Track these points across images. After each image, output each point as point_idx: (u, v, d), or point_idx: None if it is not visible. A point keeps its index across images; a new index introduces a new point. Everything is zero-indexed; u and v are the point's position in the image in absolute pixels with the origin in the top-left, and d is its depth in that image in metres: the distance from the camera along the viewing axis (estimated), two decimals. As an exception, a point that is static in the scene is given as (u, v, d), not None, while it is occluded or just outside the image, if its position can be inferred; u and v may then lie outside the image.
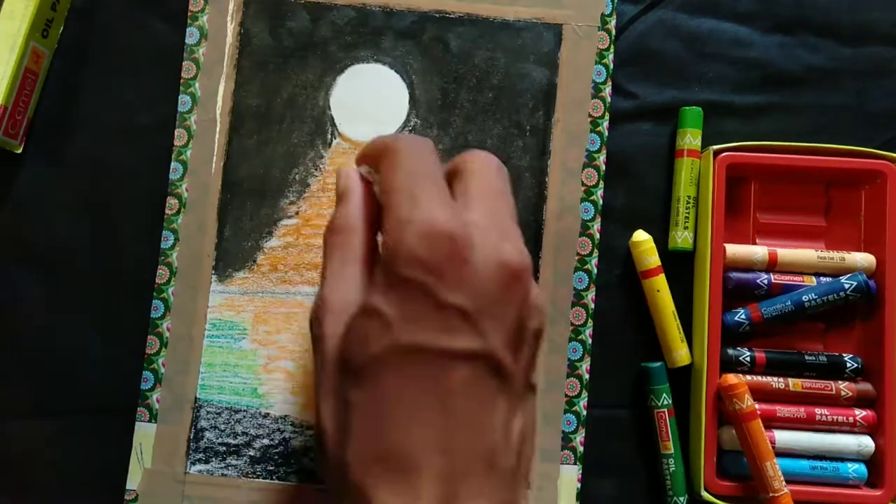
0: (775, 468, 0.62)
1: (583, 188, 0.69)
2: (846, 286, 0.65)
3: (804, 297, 0.65)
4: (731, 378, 0.63)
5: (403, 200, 0.40)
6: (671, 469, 0.65)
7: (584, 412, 0.67)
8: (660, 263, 0.67)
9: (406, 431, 0.38)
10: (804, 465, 0.64)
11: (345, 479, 0.39)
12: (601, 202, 0.69)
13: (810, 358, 0.66)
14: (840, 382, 0.65)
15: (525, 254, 0.40)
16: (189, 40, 0.70)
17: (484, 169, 0.45)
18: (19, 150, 0.70)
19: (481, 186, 0.43)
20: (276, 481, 0.66)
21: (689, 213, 0.67)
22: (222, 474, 0.66)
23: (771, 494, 0.62)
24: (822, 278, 0.66)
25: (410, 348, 0.38)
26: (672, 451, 0.65)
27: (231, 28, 0.71)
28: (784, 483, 0.62)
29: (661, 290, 0.66)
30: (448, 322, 0.38)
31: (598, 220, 0.68)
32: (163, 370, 0.67)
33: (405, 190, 0.41)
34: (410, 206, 0.39)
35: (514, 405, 0.40)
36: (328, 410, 0.40)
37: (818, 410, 0.65)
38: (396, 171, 0.42)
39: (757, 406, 0.63)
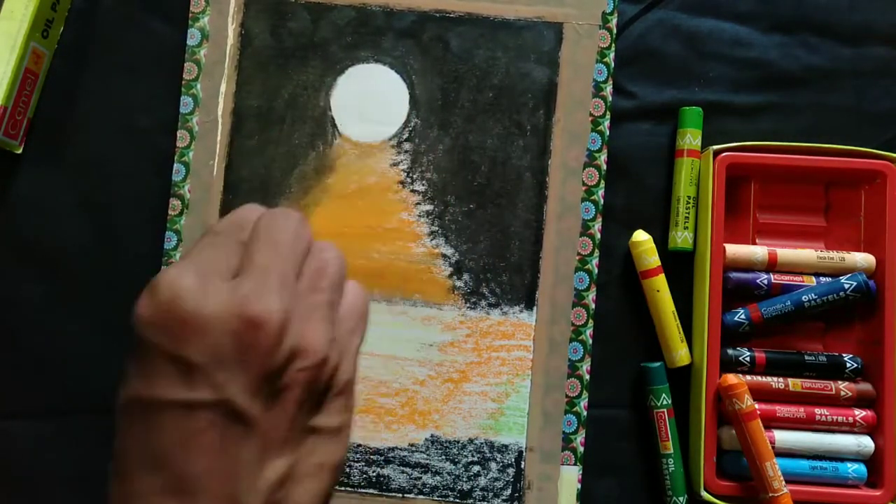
0: (775, 468, 0.62)
1: (583, 188, 0.69)
2: (846, 286, 0.65)
3: (804, 297, 0.65)
4: (731, 378, 0.63)
5: (177, 262, 0.42)
6: (671, 469, 0.65)
7: (585, 412, 0.67)
8: (660, 263, 0.67)
9: (142, 478, 0.40)
10: (804, 465, 0.64)
11: None
12: (602, 202, 0.68)
13: (810, 358, 0.66)
14: (840, 382, 0.65)
15: (270, 304, 0.39)
16: (190, 41, 0.70)
17: (261, 228, 0.44)
18: (19, 150, 0.70)
19: (254, 247, 0.43)
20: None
21: (689, 213, 0.67)
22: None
23: (770, 494, 0.62)
24: (821, 278, 0.66)
25: (145, 400, 0.39)
26: (672, 451, 0.65)
27: (232, 29, 0.71)
28: (784, 483, 0.62)
29: (661, 290, 0.66)
30: (181, 376, 0.39)
31: (599, 219, 0.68)
32: (164, 370, 0.67)
33: (191, 248, 0.43)
34: (170, 267, 0.40)
35: (269, 451, 0.41)
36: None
37: (818, 410, 0.65)
38: (207, 230, 0.44)
39: (757, 406, 0.63)
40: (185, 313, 0.38)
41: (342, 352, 0.44)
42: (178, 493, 0.39)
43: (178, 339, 0.38)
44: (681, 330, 0.66)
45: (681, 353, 0.66)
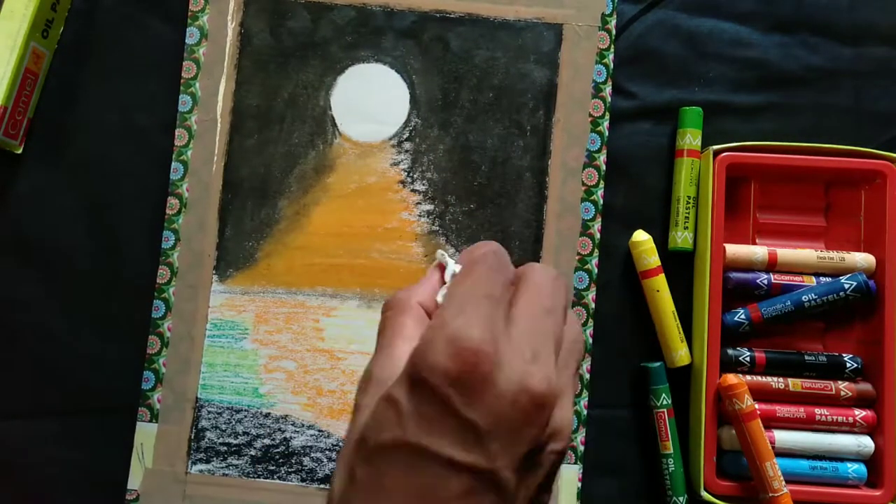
0: (775, 468, 0.62)
1: (583, 188, 0.69)
2: (846, 286, 0.65)
3: (804, 297, 0.65)
4: (731, 378, 0.63)
5: (450, 307, 0.40)
6: (671, 469, 0.65)
7: (585, 412, 0.67)
8: (660, 263, 0.67)
9: None
10: (804, 465, 0.64)
11: None
12: (601, 202, 0.69)
13: (810, 358, 0.66)
14: (840, 382, 0.65)
15: (552, 381, 0.39)
16: (189, 40, 0.70)
17: (536, 284, 0.44)
18: (19, 151, 0.70)
19: (529, 303, 0.43)
20: (277, 481, 0.66)
21: (689, 213, 0.67)
22: (223, 474, 0.67)
23: (770, 494, 0.62)
24: (821, 278, 0.66)
25: (416, 448, 0.38)
26: (672, 451, 0.65)
27: (231, 28, 0.71)
28: (784, 483, 0.62)
29: (660, 290, 0.66)
30: (458, 434, 0.38)
31: (599, 219, 0.68)
32: (164, 370, 0.67)
33: (457, 299, 0.41)
34: (453, 315, 0.39)
35: None
36: (339, 475, 0.41)
37: (818, 410, 0.65)
38: (463, 281, 0.42)
39: (757, 406, 0.63)
40: (484, 376, 0.37)
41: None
42: None
43: (470, 400, 0.38)
44: (681, 330, 0.66)
45: (681, 353, 0.66)
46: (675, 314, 0.67)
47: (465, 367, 0.37)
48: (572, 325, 0.45)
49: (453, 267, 0.45)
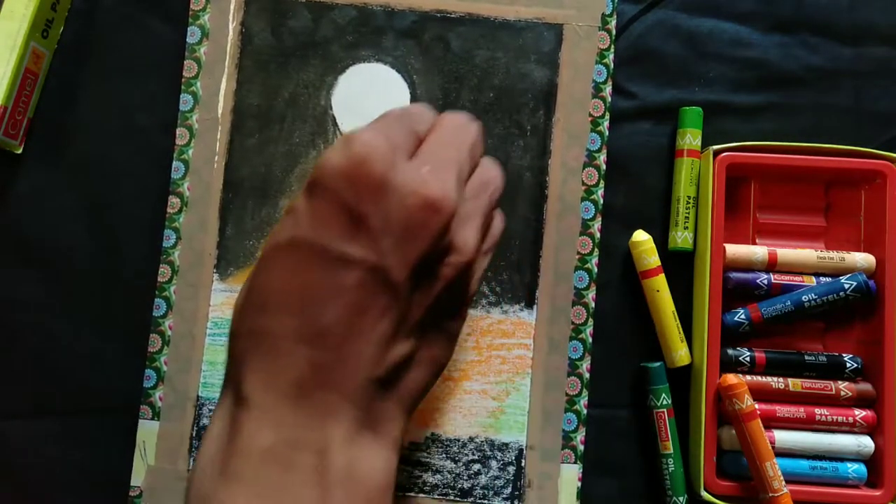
0: (775, 468, 0.62)
1: (583, 187, 0.69)
2: (846, 286, 0.65)
3: (804, 297, 0.65)
4: (731, 378, 0.63)
5: (367, 127, 0.43)
6: (670, 469, 0.65)
7: (585, 411, 0.67)
8: (660, 263, 0.67)
9: (280, 317, 0.42)
10: (804, 465, 0.65)
11: (229, 346, 0.44)
12: (601, 201, 0.69)
13: (810, 358, 0.66)
14: (840, 382, 0.65)
15: (449, 192, 0.41)
16: (190, 39, 0.70)
17: (443, 125, 0.47)
18: (19, 151, 0.70)
19: (433, 137, 0.46)
20: (278, 480, 0.67)
21: (689, 213, 0.67)
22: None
23: (770, 494, 0.62)
24: (821, 278, 0.66)
25: (308, 243, 0.41)
26: (671, 451, 0.65)
27: (232, 27, 0.71)
28: (784, 483, 0.62)
29: (660, 290, 0.67)
30: (349, 228, 0.40)
31: (599, 219, 0.68)
32: (165, 368, 0.67)
33: (376, 122, 0.45)
34: (363, 130, 0.42)
35: (401, 329, 0.43)
36: (243, 286, 0.45)
37: (818, 410, 0.65)
38: (387, 114, 0.47)
39: (757, 406, 0.63)
40: (376, 174, 0.40)
41: (480, 266, 0.47)
42: (309, 341, 0.41)
43: (362, 196, 0.40)
44: (681, 330, 0.67)
45: (681, 353, 0.66)
46: (675, 314, 0.67)
47: (358, 164, 0.40)
48: (487, 165, 0.49)
49: None
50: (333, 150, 0.41)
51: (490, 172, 0.49)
